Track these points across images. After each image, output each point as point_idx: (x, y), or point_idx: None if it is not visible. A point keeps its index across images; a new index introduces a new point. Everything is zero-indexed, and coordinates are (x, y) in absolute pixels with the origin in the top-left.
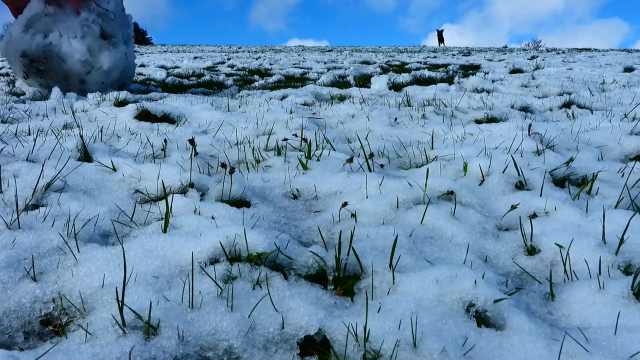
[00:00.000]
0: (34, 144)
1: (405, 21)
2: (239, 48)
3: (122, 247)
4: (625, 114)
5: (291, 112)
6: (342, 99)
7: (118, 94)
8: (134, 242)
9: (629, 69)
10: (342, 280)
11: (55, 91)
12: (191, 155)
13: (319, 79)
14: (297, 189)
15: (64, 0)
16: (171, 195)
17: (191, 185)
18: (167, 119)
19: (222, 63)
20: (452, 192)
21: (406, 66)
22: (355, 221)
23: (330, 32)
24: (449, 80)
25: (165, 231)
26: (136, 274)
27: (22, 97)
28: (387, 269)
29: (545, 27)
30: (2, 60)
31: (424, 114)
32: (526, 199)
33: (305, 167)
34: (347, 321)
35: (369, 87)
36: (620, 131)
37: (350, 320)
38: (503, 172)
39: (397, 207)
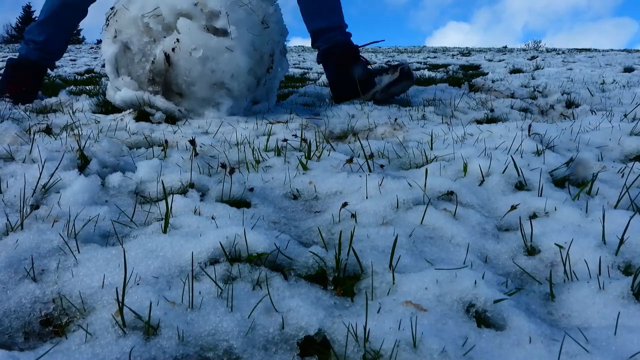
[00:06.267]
0: (34, 144)
1: (417, 16)
2: None
3: (122, 248)
4: (625, 114)
5: (291, 112)
6: None
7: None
8: (134, 243)
9: (629, 69)
10: (342, 280)
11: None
12: (191, 155)
13: (319, 79)
14: (297, 189)
15: None
16: (171, 195)
17: (191, 185)
18: (167, 119)
19: None
20: (452, 193)
21: None
22: (355, 221)
23: None
24: (449, 81)
25: (165, 231)
26: (136, 275)
27: None
28: (387, 269)
29: (560, 23)
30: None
31: (423, 114)
32: (526, 199)
33: (305, 168)
34: (347, 321)
35: None
36: (620, 131)
37: (350, 321)
38: (503, 173)
39: (397, 207)
